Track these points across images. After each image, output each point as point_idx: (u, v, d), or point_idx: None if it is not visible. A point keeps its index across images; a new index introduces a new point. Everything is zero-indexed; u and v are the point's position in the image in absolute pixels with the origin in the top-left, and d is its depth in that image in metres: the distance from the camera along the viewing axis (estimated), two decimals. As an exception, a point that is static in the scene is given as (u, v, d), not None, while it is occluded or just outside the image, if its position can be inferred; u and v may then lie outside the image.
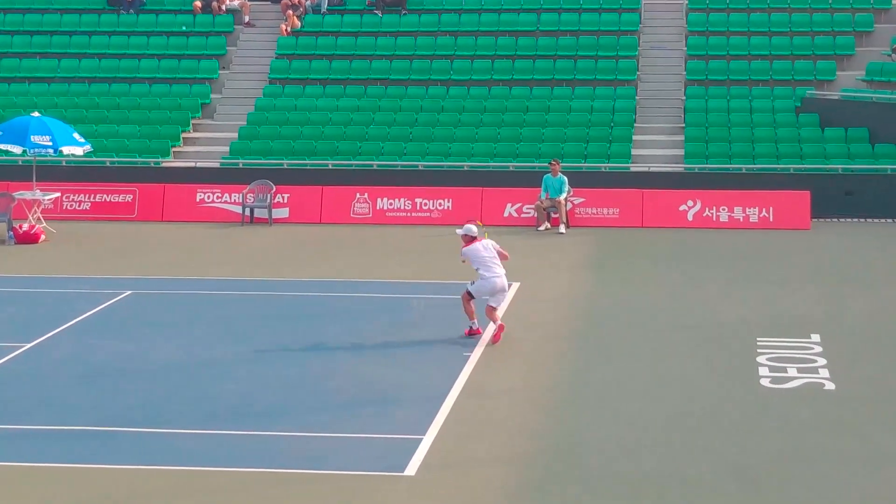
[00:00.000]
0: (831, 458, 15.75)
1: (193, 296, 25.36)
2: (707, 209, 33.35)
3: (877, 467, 15.45)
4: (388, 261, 28.96)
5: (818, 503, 14.28)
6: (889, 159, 34.97)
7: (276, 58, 41.35)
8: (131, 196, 34.72)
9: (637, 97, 39.08)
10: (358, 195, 34.28)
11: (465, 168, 35.45)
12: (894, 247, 30.63)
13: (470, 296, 21.23)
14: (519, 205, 33.73)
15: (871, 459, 15.73)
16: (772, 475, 15.14)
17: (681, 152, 36.43)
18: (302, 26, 42.26)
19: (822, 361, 20.01)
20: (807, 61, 39.45)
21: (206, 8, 42.96)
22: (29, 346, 21.01)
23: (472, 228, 21.57)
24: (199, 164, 36.74)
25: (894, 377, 19.42)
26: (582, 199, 33.55)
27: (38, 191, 32.37)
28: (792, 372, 19.47)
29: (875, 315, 23.51)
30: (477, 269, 21.27)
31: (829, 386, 18.76)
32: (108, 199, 34.80)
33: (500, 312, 21.43)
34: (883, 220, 33.77)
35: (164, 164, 36.73)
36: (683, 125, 37.71)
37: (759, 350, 20.69)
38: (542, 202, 33.08)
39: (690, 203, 33.46)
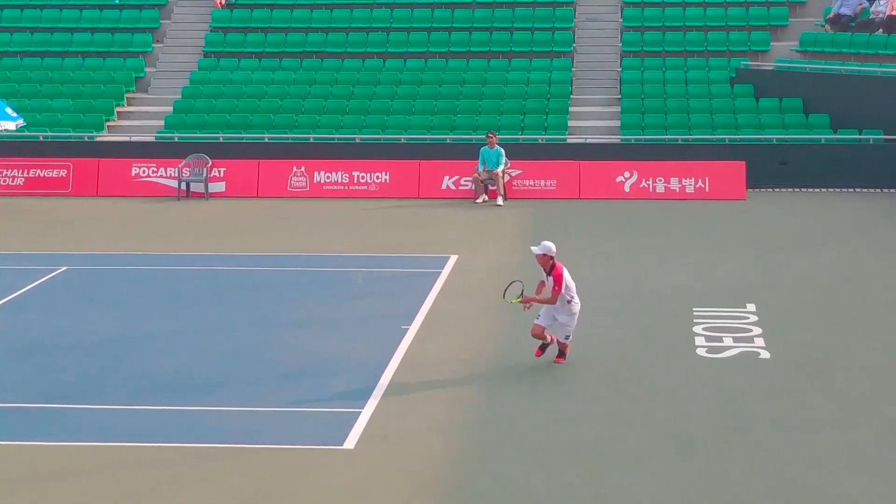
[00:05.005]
0: (767, 424, 15.88)
1: (129, 271, 25.19)
2: (643, 180, 33.47)
3: (812, 432, 15.60)
4: (326, 234, 28.88)
5: (755, 469, 14.39)
6: (822, 129, 35.23)
7: (211, 31, 41.05)
8: (65, 171, 34.42)
9: (573, 69, 39.11)
10: (294, 169, 34.15)
11: (402, 141, 35.38)
12: (828, 216, 30.89)
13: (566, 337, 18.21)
14: (456, 177, 33.70)
15: (805, 425, 15.88)
16: (709, 442, 15.25)
17: (617, 124, 36.53)
18: (236, -1, 41.98)
19: (757, 330, 20.16)
20: (741, 32, 39.62)
21: (140, -19, 42.56)
22: (-38, 322, 20.86)
23: (552, 247, 17.91)
24: (133, 139, 36.45)
25: (827, 345, 19.60)
26: (519, 171, 33.58)
27: (-30, 166, 32.08)
28: (728, 341, 19.61)
29: (809, 284, 23.71)
30: (570, 301, 17.97)
31: (765, 354, 18.91)
32: (41, 175, 34.48)
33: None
34: (816, 190, 34.02)
35: (98, 139, 36.41)
36: (619, 97, 37.79)
37: (695, 320, 20.81)
38: (479, 174, 33.08)
39: (627, 174, 33.56)
